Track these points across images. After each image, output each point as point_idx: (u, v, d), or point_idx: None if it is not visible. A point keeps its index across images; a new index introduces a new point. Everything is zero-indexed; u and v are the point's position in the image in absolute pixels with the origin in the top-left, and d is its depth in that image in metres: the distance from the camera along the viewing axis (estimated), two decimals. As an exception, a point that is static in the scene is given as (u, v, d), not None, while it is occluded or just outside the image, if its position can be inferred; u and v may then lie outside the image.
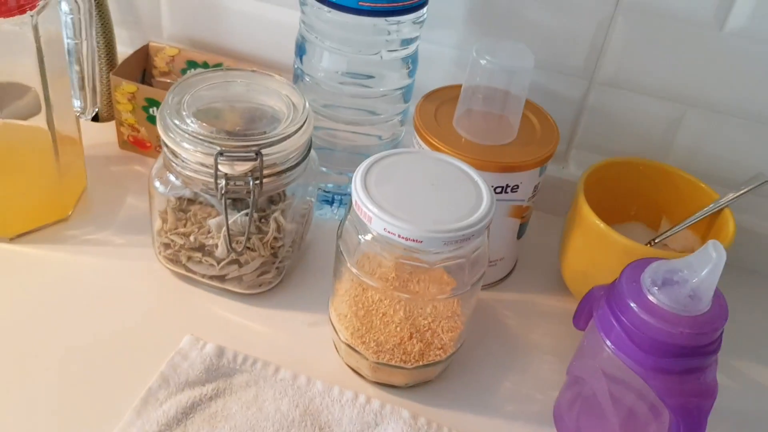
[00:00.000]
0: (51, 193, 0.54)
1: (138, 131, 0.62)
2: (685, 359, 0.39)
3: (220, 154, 0.44)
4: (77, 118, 0.56)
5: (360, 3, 0.49)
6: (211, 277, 0.51)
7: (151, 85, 0.65)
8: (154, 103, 0.60)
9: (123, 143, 0.64)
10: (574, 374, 0.45)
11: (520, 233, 0.55)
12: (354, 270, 0.44)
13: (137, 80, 0.64)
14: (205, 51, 0.67)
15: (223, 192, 0.45)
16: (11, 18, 0.46)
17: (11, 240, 0.53)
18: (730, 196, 0.52)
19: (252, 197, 0.46)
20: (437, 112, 0.53)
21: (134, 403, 0.43)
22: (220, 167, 0.45)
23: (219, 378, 0.45)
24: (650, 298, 0.39)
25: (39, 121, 0.51)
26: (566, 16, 0.56)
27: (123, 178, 0.61)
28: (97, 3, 0.59)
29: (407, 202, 0.42)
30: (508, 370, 0.50)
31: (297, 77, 0.57)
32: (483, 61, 0.49)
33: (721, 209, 0.52)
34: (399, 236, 0.40)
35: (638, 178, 0.56)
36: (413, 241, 0.40)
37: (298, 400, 0.44)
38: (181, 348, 0.46)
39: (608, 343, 0.40)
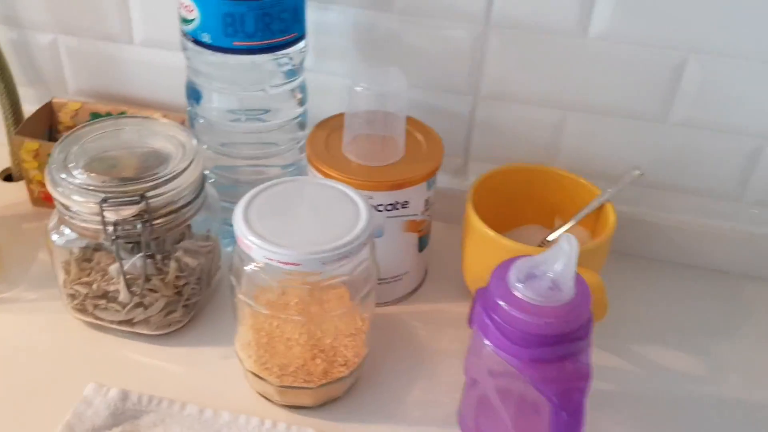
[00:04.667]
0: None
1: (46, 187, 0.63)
2: (555, 347, 0.41)
3: (104, 201, 0.46)
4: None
5: (234, 43, 0.51)
6: (120, 322, 0.52)
7: (56, 140, 0.67)
8: (59, 158, 0.61)
9: (35, 200, 0.65)
10: (470, 376, 0.47)
11: (421, 246, 0.57)
12: (243, 299, 0.45)
13: (43, 137, 0.65)
14: (110, 102, 0.69)
15: (113, 238, 0.47)
16: None
17: None
18: (610, 190, 0.55)
19: (143, 240, 0.47)
20: (328, 140, 0.55)
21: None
22: (107, 214, 0.46)
23: (125, 421, 0.46)
24: (515, 293, 0.41)
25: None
26: (442, 38, 0.59)
27: (35, 235, 0.62)
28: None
29: (286, 229, 0.43)
30: (416, 378, 0.52)
31: (192, 119, 0.58)
32: (358, 89, 0.52)
33: (603, 204, 0.55)
34: (278, 262, 0.42)
35: (528, 183, 0.59)
36: (292, 264, 0.42)
37: (204, 432, 0.45)
38: (85, 396, 0.47)
39: (486, 341, 0.42)
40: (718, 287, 0.62)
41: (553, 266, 0.40)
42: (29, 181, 0.64)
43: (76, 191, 0.47)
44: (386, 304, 0.58)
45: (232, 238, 0.61)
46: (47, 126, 0.67)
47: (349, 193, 0.47)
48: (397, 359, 0.53)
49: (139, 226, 0.47)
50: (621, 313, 0.58)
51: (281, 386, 0.47)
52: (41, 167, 0.62)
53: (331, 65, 0.62)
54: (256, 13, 0.50)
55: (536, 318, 0.40)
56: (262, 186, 0.47)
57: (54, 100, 0.67)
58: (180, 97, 0.67)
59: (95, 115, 0.67)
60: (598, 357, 0.54)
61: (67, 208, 0.48)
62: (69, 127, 0.67)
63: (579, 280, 0.42)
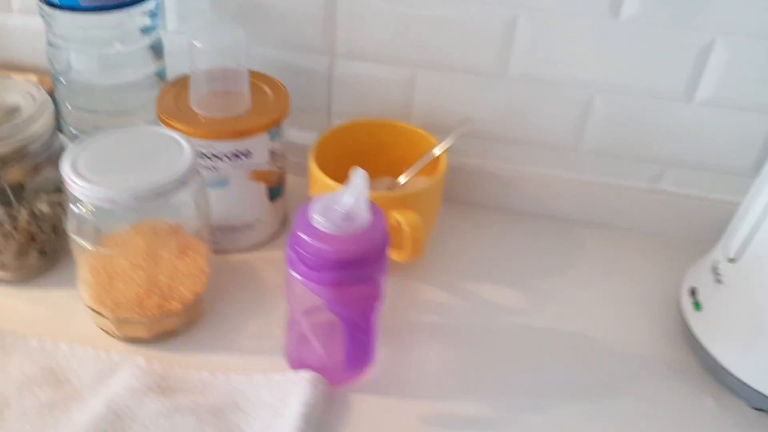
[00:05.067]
0: None
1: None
2: (350, 272, 0.45)
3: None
4: None
5: (82, 3, 0.55)
6: (-22, 267, 0.55)
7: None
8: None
9: None
10: (290, 314, 0.50)
11: (272, 196, 0.61)
12: (75, 237, 0.49)
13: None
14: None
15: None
16: None
17: None
18: (444, 141, 0.59)
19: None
20: (178, 97, 0.58)
21: None
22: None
23: (-31, 352, 0.49)
24: (315, 225, 0.45)
25: None
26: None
27: None
28: None
29: (109, 171, 0.47)
30: (254, 314, 0.55)
31: (54, 81, 0.61)
32: (197, 44, 0.55)
33: (440, 154, 0.59)
34: (98, 199, 0.46)
35: (376, 137, 0.63)
36: (110, 202, 0.46)
37: (42, 362, 0.49)
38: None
39: (293, 273, 0.46)
40: (551, 232, 0.66)
41: (345, 199, 0.44)
42: None
43: None
44: (240, 251, 0.61)
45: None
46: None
47: (180, 141, 0.50)
48: (239, 299, 0.57)
49: (-17, 173, 0.51)
50: (454, 254, 0.62)
51: (117, 319, 0.51)
52: None
53: (189, 26, 0.66)
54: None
55: (331, 245, 0.44)
56: (96, 136, 0.50)
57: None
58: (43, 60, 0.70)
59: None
60: (429, 293, 0.59)
61: None
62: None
63: (375, 212, 0.46)
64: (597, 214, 0.67)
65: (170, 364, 0.50)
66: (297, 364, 0.51)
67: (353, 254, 0.44)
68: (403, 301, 0.58)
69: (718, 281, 0.54)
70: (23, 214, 0.54)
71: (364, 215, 0.45)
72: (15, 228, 0.54)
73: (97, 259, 0.50)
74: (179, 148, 0.50)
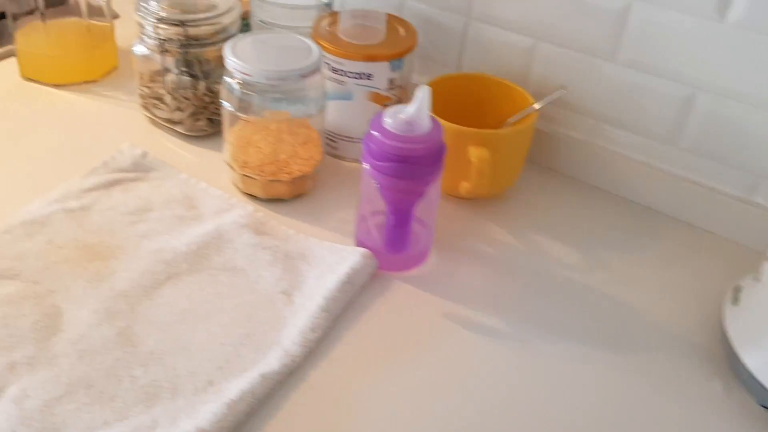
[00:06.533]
0: (84, 61, 0.81)
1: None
2: (403, 165, 0.56)
3: (159, 20, 0.68)
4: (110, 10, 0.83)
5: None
6: (165, 120, 0.75)
7: None
8: None
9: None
10: (361, 203, 0.63)
11: (387, 119, 0.73)
12: (226, 105, 0.65)
13: None
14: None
15: (161, 50, 0.69)
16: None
17: (56, 86, 0.81)
18: (540, 102, 0.68)
19: (181, 57, 0.69)
20: (332, 24, 0.73)
21: (84, 172, 0.67)
22: (160, 32, 0.69)
23: (139, 170, 0.68)
24: (384, 125, 0.57)
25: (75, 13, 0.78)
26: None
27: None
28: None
29: (256, 57, 0.63)
30: (345, 206, 0.68)
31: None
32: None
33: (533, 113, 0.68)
34: (241, 74, 0.62)
35: (489, 90, 0.73)
36: (248, 77, 0.62)
37: (185, 190, 0.67)
38: (121, 148, 0.70)
39: (364, 165, 0.59)
40: (629, 215, 0.71)
41: (409, 108, 0.56)
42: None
43: (150, 16, 0.70)
44: (352, 160, 0.75)
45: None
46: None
47: (312, 47, 0.65)
48: (337, 191, 0.70)
49: (183, 47, 0.69)
50: (530, 208, 0.71)
51: (243, 176, 0.67)
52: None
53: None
54: None
55: (392, 141, 0.56)
56: (251, 33, 0.67)
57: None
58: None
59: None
60: (495, 231, 0.69)
61: (142, 27, 0.71)
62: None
63: (435, 125, 0.57)
64: (681, 210, 0.71)
65: (270, 217, 0.65)
66: (360, 246, 0.64)
67: (407, 152, 0.56)
68: (470, 231, 0.68)
69: (757, 279, 0.58)
70: (201, 86, 0.72)
71: (424, 123, 0.56)
72: (194, 95, 0.72)
73: (239, 126, 0.66)
74: (311, 53, 0.64)
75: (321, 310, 0.56)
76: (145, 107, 0.76)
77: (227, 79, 0.64)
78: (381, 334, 0.57)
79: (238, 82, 0.63)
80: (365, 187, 0.60)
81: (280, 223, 0.65)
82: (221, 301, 0.57)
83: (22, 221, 0.60)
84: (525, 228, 0.69)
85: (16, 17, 0.78)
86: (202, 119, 0.74)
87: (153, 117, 0.76)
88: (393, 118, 0.56)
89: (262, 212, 0.66)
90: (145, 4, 0.70)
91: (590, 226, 0.70)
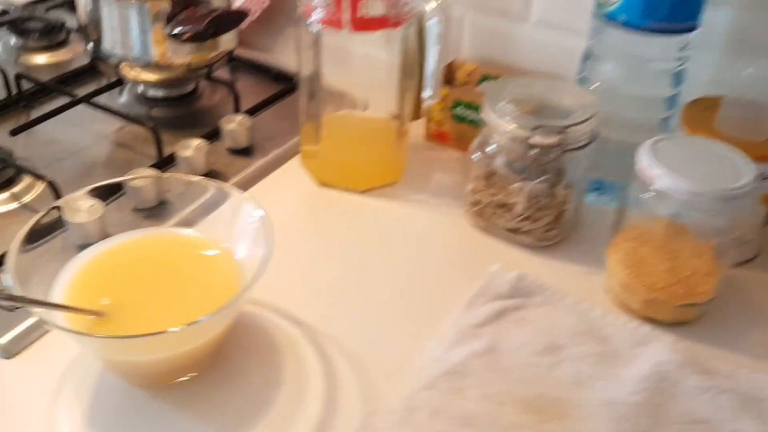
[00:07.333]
0: (389, 163, 0.74)
1: (442, 125, 0.81)
2: None
3: (536, 128, 0.60)
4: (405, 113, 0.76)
5: (641, 24, 0.63)
6: (508, 230, 0.67)
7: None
8: (459, 104, 0.78)
9: (428, 136, 0.83)
10: None
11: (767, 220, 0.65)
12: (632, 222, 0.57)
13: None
14: (496, 67, 0.84)
15: (533, 160, 0.61)
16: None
17: (361, 192, 0.73)
18: None
19: (551, 166, 0.61)
20: (702, 115, 0.65)
21: (461, 303, 0.59)
22: (532, 140, 0.61)
23: (519, 296, 0.60)
24: None
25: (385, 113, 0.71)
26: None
27: (430, 161, 0.80)
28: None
29: (683, 169, 0.55)
30: (754, 330, 0.60)
31: (582, 82, 0.71)
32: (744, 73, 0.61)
33: None
34: (676, 192, 0.53)
35: None
36: (688, 194, 0.53)
37: (581, 319, 0.58)
38: (492, 271, 0.62)
39: None
40: None
41: None
42: (429, 119, 0.82)
43: (511, 119, 0.62)
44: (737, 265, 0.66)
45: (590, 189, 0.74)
46: (447, 80, 0.84)
47: (731, 155, 0.57)
48: (740, 314, 0.61)
49: (552, 154, 0.61)
50: None
51: (647, 299, 0.58)
52: (444, 110, 0.79)
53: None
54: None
55: None
56: (659, 137, 0.58)
57: (455, 61, 0.84)
58: (556, 69, 0.81)
59: (485, 77, 0.83)
60: None
61: (498, 131, 0.63)
62: (464, 83, 0.84)
63: None
64: None
65: (696, 349, 0.57)
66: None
67: None
68: None
69: None
70: (562, 194, 0.64)
71: None
72: (554, 203, 0.64)
73: (638, 243, 0.58)
74: (731, 161, 0.56)
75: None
76: (478, 215, 0.68)
77: (643, 196, 0.56)
78: None
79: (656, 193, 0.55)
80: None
81: (706, 355, 0.56)
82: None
83: (446, 372, 0.52)
84: None
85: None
86: (556, 228, 0.66)
87: (486, 225, 0.68)
88: None
89: (683, 343, 0.57)
90: (497, 108, 0.63)
91: None
